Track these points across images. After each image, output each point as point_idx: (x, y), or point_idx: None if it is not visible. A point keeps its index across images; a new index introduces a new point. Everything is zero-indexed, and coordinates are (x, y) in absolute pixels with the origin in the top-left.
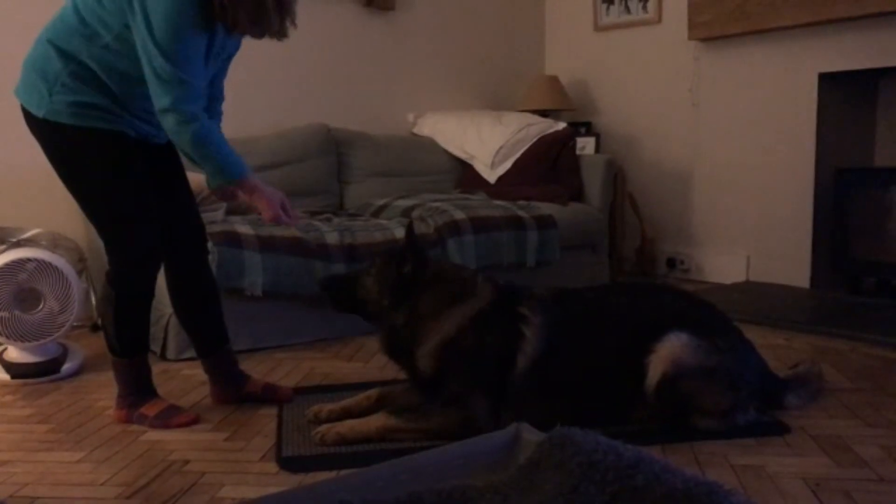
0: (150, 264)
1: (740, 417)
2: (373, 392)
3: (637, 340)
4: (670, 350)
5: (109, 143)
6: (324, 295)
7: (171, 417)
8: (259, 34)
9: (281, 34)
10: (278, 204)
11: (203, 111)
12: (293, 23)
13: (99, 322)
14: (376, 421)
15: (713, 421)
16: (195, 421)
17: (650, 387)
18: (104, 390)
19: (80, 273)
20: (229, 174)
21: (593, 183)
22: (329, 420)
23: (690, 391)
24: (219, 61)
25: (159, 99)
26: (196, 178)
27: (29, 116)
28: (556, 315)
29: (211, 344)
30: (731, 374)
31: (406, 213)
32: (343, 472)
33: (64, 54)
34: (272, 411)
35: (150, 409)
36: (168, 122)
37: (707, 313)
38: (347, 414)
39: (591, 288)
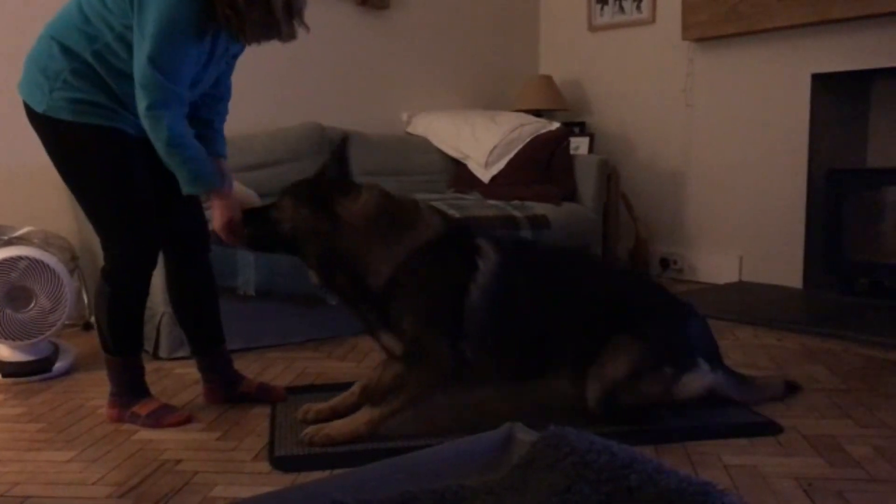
0: (145, 262)
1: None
2: (355, 387)
3: (590, 306)
4: (612, 368)
5: (109, 140)
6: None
7: (162, 417)
8: (268, 39)
9: (290, 36)
10: (226, 219)
11: (183, 119)
12: (302, 23)
13: (92, 319)
14: (362, 416)
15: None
16: (187, 421)
17: (591, 400)
18: (96, 389)
19: (71, 272)
20: (201, 184)
21: (587, 183)
22: (316, 421)
23: (632, 398)
24: (222, 62)
25: (139, 101)
26: None
27: (30, 112)
28: (513, 257)
29: (207, 343)
30: (671, 359)
31: None
32: (336, 472)
33: (66, 51)
34: (265, 410)
35: (142, 409)
36: (146, 124)
37: (656, 302)
38: (335, 413)
39: (556, 248)
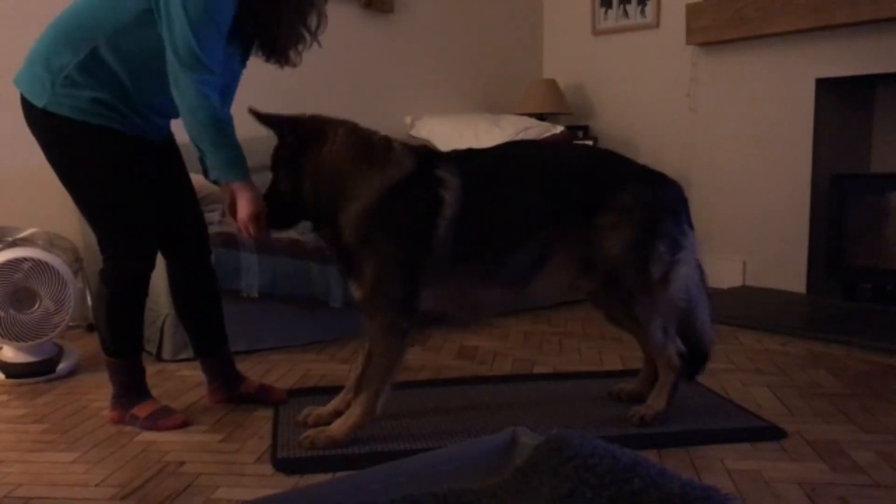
0: (144, 264)
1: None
2: (349, 385)
3: (552, 199)
4: (608, 247)
5: (108, 141)
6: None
7: (160, 419)
8: (276, 59)
9: (294, 64)
10: (252, 210)
11: (214, 86)
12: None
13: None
14: (354, 408)
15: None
16: (185, 424)
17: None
18: (99, 391)
19: (76, 273)
20: (237, 171)
21: None
22: (317, 425)
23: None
24: (228, 78)
25: (180, 77)
26: (198, 179)
27: (28, 107)
28: (473, 175)
29: (210, 344)
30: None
31: None
32: (338, 475)
33: (73, 44)
34: (268, 413)
35: (141, 411)
36: (188, 99)
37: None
38: (337, 416)
39: (499, 147)
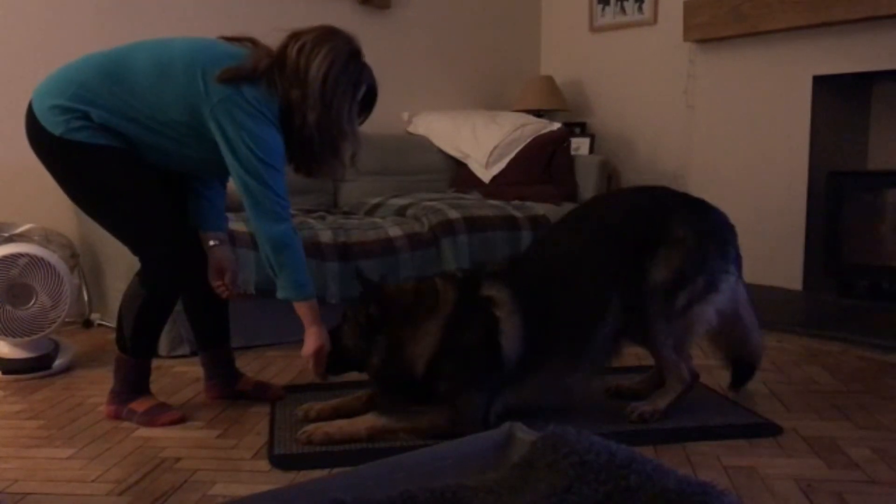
0: (181, 268)
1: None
2: (363, 393)
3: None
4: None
5: (123, 158)
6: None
7: (157, 415)
8: (325, 176)
9: (342, 177)
10: (316, 350)
11: (290, 224)
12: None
13: (92, 316)
14: (365, 421)
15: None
16: (181, 420)
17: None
18: (96, 386)
19: (72, 269)
20: (300, 293)
21: (587, 183)
22: (318, 419)
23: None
24: None
25: (260, 205)
26: None
27: (40, 131)
28: (521, 283)
29: (212, 338)
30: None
31: (400, 211)
32: (336, 471)
33: (104, 101)
34: (265, 409)
35: (138, 406)
36: (255, 227)
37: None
38: (337, 413)
39: (536, 244)
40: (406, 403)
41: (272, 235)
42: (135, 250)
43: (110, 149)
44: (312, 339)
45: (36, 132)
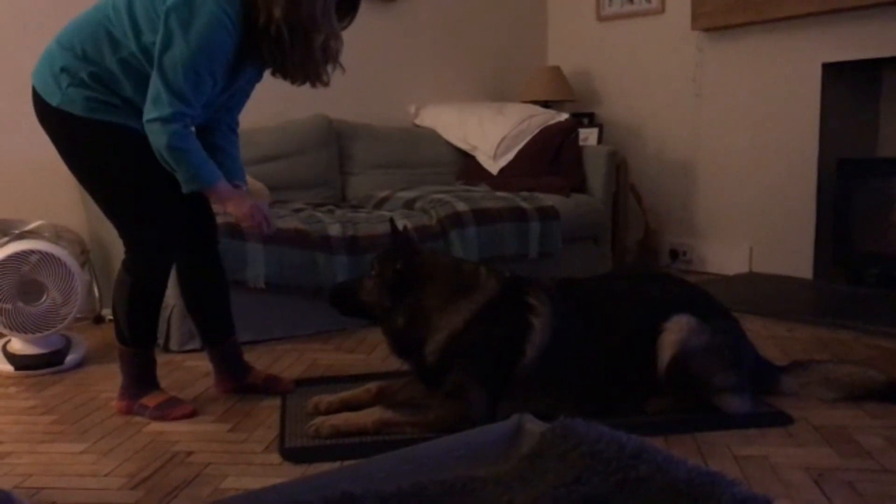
0: (167, 252)
1: (746, 396)
2: (372, 386)
3: (643, 325)
4: (678, 332)
5: (121, 136)
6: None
7: (169, 409)
8: (305, 82)
9: (324, 83)
10: (248, 206)
11: (186, 130)
12: (338, 66)
13: (104, 312)
14: (372, 414)
15: (725, 397)
16: (193, 414)
17: (661, 369)
18: (107, 382)
19: (82, 265)
20: (202, 181)
21: (596, 174)
22: (328, 412)
23: (699, 370)
24: (238, 95)
25: (147, 111)
26: None
27: (41, 103)
28: (564, 304)
29: (218, 334)
30: (733, 352)
31: (408, 204)
32: (346, 463)
33: (86, 56)
34: (275, 402)
35: (150, 401)
36: (148, 131)
37: (705, 299)
38: (346, 406)
39: (594, 277)
40: (413, 375)
41: (161, 144)
42: (123, 232)
43: (109, 125)
44: (235, 204)
45: (39, 108)
